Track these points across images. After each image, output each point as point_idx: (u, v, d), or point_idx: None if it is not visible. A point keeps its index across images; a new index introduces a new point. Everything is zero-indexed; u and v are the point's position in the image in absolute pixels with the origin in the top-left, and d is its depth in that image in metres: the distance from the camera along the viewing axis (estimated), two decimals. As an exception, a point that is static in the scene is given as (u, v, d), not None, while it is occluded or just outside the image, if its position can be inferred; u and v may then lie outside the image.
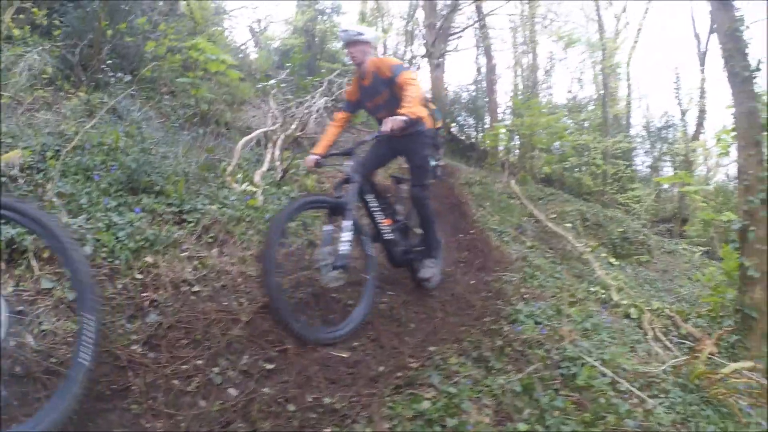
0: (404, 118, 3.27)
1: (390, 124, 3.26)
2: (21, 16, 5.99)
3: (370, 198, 3.70)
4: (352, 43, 3.66)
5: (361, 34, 3.66)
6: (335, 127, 3.99)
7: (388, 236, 3.78)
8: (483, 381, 2.57)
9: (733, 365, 3.47)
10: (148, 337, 2.53)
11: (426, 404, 2.21)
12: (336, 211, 3.28)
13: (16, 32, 5.64)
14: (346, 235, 3.13)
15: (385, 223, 3.77)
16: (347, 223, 3.18)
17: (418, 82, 3.69)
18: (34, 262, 2.67)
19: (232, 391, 2.23)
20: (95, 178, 3.75)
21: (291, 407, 2.13)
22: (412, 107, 3.38)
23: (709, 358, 3.57)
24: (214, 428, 1.98)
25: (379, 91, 3.74)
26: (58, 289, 2.59)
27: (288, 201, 3.64)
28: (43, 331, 2.37)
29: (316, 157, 3.76)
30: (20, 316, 2.34)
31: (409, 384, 2.41)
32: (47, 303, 2.50)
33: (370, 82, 3.77)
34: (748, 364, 3.56)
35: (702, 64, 18.18)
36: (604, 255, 8.47)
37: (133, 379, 2.20)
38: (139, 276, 2.95)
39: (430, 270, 4.03)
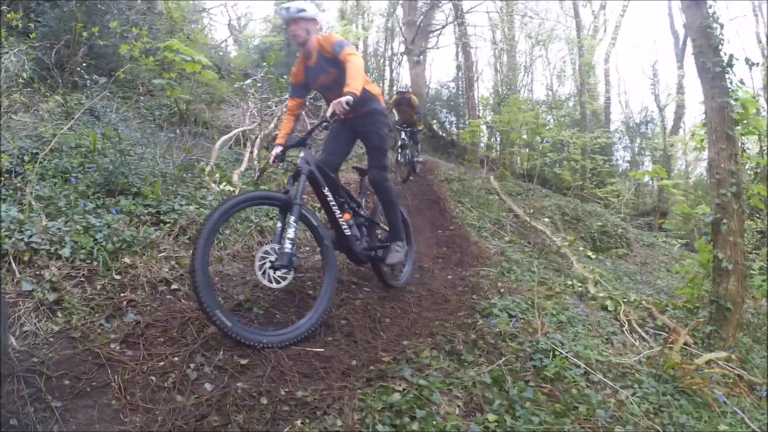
0: (347, 98, 3.08)
1: (332, 107, 3.13)
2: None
3: (326, 191, 3.46)
4: (293, 20, 3.43)
5: (302, 10, 3.40)
6: (289, 116, 3.83)
7: (347, 232, 3.56)
8: (454, 374, 2.62)
9: (708, 355, 3.53)
10: (126, 335, 2.58)
11: (396, 396, 2.27)
12: (285, 207, 3.08)
13: (-6, 37, 5.60)
14: (290, 232, 2.96)
15: (343, 219, 3.57)
16: (292, 219, 3.00)
17: (360, 56, 3.49)
18: (14, 265, 2.70)
19: (208, 386, 2.28)
20: (73, 181, 3.78)
21: (264, 400, 2.19)
22: (356, 84, 3.17)
23: (684, 348, 3.63)
24: (190, 422, 2.04)
25: (326, 70, 3.54)
26: (38, 291, 2.63)
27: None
28: (25, 331, 2.42)
29: (278, 149, 3.62)
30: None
31: (380, 377, 2.47)
32: (28, 305, 2.54)
33: (314, 61, 3.56)
34: (723, 354, 3.63)
35: (680, 60, 18.49)
36: (582, 248, 8.60)
37: (111, 376, 2.25)
38: (118, 277, 3.00)
39: (396, 255, 3.90)
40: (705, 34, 4.72)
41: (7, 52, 5.74)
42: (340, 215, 3.55)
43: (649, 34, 52.37)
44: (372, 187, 3.88)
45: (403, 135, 9.40)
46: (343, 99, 3.07)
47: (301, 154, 3.33)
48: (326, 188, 3.46)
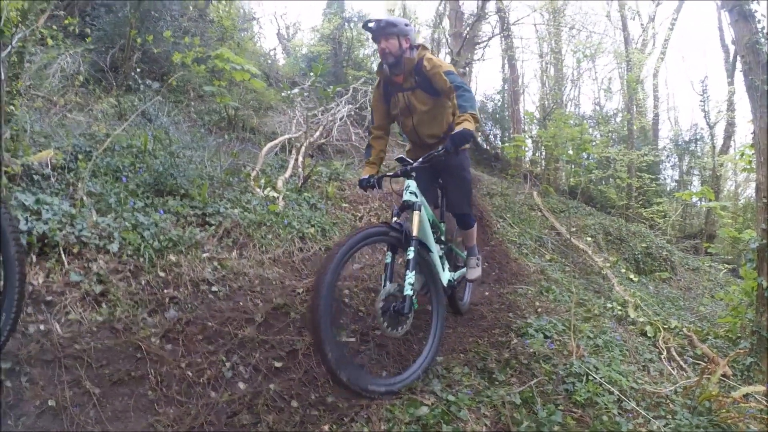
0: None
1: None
2: (54, 27, 6.26)
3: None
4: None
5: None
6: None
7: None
8: (484, 391, 2.61)
9: (744, 389, 3.35)
10: (166, 331, 2.67)
11: (424, 410, 2.27)
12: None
13: (50, 41, 5.91)
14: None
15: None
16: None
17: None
18: (63, 257, 2.83)
19: (241, 385, 2.35)
20: (123, 180, 3.93)
21: (294, 403, 2.24)
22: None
23: (722, 380, 3.49)
24: (222, 418, 2.10)
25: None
26: (85, 282, 2.75)
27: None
28: (70, 320, 2.53)
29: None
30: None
31: (410, 389, 2.49)
32: (74, 295, 2.66)
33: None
34: (761, 388, 3.44)
35: (730, 76, 17.77)
36: (624, 270, 8.38)
37: (150, 368, 2.35)
38: (162, 274, 3.11)
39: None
40: (753, 50, 4.58)
41: (63, 54, 6.04)
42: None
43: (699, 48, 50.68)
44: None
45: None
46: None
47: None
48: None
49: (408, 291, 2.62)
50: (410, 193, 3.04)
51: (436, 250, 3.29)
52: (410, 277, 2.66)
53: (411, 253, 2.74)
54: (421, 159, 3.11)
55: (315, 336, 2.29)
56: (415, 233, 2.82)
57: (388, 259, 2.77)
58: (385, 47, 3.26)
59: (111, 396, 2.18)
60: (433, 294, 3.06)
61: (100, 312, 2.66)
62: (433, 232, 3.31)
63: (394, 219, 2.87)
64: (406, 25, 3.30)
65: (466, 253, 4.03)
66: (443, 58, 18.31)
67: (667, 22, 19.85)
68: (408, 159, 3.15)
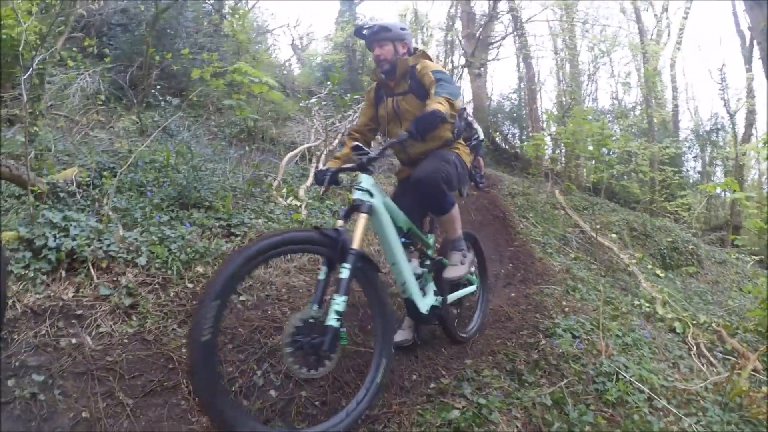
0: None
1: None
2: (73, 48, 6.42)
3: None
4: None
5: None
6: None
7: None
8: (514, 393, 2.60)
9: None
10: (197, 341, 2.70)
11: (455, 413, 2.27)
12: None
13: (70, 63, 6.06)
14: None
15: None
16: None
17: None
18: (92, 271, 2.90)
19: (273, 393, 2.37)
20: (148, 194, 4.01)
21: (326, 410, 2.25)
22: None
23: (753, 375, 3.43)
24: (254, 426, 2.12)
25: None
26: (114, 295, 2.80)
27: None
28: (101, 332, 2.58)
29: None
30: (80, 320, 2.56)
31: (441, 393, 2.49)
32: (104, 308, 2.71)
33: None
34: None
35: (748, 62, 17.39)
36: (650, 266, 8.25)
37: (182, 378, 2.38)
38: (190, 285, 3.15)
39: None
40: (769, 35, 4.50)
41: (82, 74, 6.19)
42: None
43: (715, 35, 49.79)
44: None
45: None
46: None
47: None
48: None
49: (332, 322, 2.04)
50: (361, 190, 2.43)
51: (407, 268, 2.75)
52: (338, 303, 2.07)
53: (345, 271, 2.13)
54: (381, 148, 2.60)
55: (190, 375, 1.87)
56: (354, 245, 2.20)
57: (322, 276, 2.19)
58: (379, 54, 3.05)
59: (144, 407, 2.22)
60: (377, 328, 2.38)
61: (131, 324, 2.70)
62: (409, 245, 2.93)
63: (340, 222, 2.33)
64: (402, 29, 3.11)
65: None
66: (457, 60, 18.37)
67: (680, 11, 19.44)
68: (365, 148, 2.57)
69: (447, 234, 3.24)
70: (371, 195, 2.44)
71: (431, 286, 3.12)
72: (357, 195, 2.43)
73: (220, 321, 1.87)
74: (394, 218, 2.72)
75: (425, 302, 2.91)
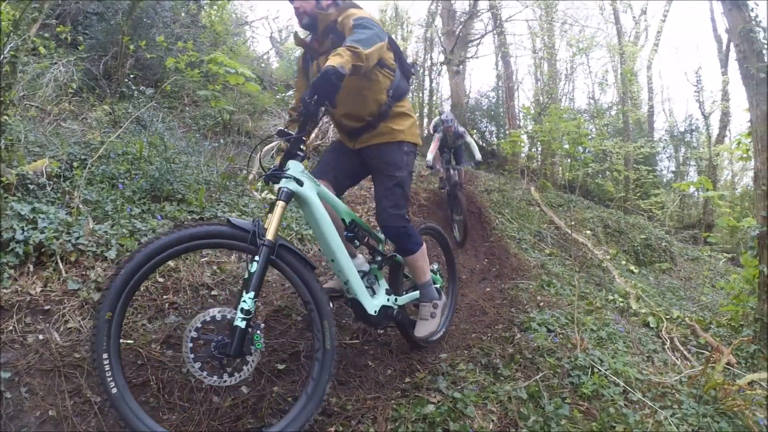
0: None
1: None
2: (46, 36, 6.23)
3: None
4: None
5: None
6: None
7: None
8: (490, 387, 2.60)
9: (749, 376, 3.36)
10: (167, 336, 2.64)
11: (430, 408, 2.26)
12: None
13: (42, 50, 5.89)
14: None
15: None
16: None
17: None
18: (61, 265, 2.81)
19: (244, 389, 2.32)
20: (120, 187, 3.91)
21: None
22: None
23: (727, 368, 3.49)
24: (225, 423, 2.08)
25: None
26: (83, 290, 2.72)
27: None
28: (69, 328, 2.50)
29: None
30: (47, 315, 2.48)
31: (415, 388, 2.47)
32: (73, 303, 2.63)
33: None
34: (765, 375, 3.49)
35: (724, 66, 17.89)
36: (624, 262, 8.39)
37: (151, 375, 2.32)
38: (161, 279, 3.08)
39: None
40: (748, 38, 4.58)
41: (56, 63, 6.03)
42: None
43: (692, 39, 51.00)
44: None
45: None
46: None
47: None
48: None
49: (239, 322, 1.84)
50: (287, 178, 2.16)
51: (349, 265, 2.43)
52: (247, 301, 1.86)
53: (254, 265, 1.92)
54: (298, 129, 2.26)
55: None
56: (268, 235, 1.98)
57: (253, 269, 1.93)
58: (299, 6, 2.55)
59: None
60: (315, 328, 2.08)
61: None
62: (356, 239, 2.64)
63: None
64: None
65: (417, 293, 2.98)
66: (436, 57, 18.38)
67: (659, 14, 19.86)
68: (290, 132, 2.28)
69: (414, 278, 2.95)
70: (299, 183, 2.17)
71: (382, 285, 2.82)
72: (282, 183, 2.14)
73: (118, 335, 1.80)
74: (335, 209, 2.52)
75: (373, 303, 2.60)
